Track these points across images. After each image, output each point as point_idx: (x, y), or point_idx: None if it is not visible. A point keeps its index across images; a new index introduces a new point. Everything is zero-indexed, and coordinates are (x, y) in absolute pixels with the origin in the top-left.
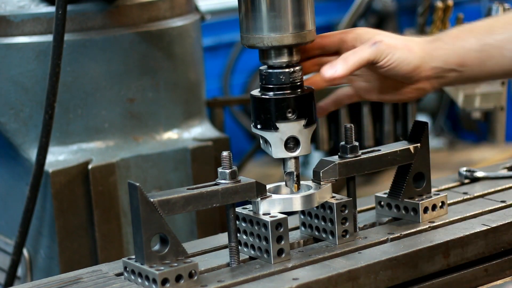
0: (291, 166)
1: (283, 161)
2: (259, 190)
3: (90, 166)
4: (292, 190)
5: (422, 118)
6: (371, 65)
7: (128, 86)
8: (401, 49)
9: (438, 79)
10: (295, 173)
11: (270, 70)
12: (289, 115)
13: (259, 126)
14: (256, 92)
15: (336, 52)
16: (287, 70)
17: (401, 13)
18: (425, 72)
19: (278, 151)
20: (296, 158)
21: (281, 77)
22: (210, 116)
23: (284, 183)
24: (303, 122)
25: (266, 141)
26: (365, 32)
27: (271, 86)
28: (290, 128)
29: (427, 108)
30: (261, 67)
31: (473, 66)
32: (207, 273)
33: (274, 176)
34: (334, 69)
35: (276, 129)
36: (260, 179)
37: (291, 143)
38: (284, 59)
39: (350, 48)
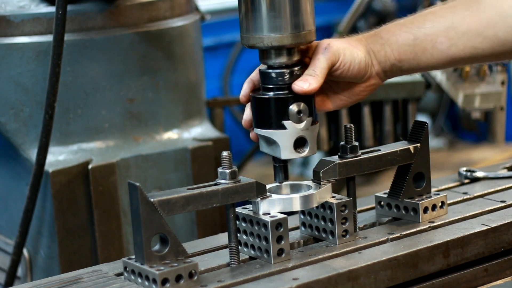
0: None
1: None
2: (259, 190)
3: (90, 166)
4: (282, 180)
5: (422, 118)
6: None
7: (128, 86)
8: (349, 48)
9: (385, 73)
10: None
11: (276, 70)
12: (299, 114)
13: (265, 127)
14: (257, 93)
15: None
16: (294, 69)
17: (401, 13)
18: (373, 67)
19: (287, 152)
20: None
21: (286, 76)
22: (210, 116)
23: (283, 183)
24: (310, 121)
25: (269, 142)
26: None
27: (271, 86)
28: (299, 128)
29: (427, 108)
30: (262, 67)
31: (409, 60)
32: (207, 273)
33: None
34: (307, 83)
35: (285, 129)
36: (260, 179)
37: (299, 143)
38: (285, 59)
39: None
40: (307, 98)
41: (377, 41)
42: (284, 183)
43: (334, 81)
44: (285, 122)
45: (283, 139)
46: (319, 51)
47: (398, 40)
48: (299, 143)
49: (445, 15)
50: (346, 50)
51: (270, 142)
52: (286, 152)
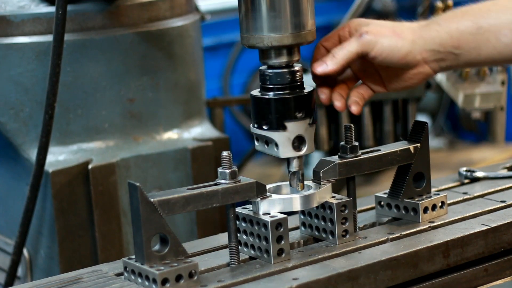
0: (296, 165)
1: (288, 161)
2: (259, 190)
3: (90, 166)
4: (298, 189)
5: (422, 118)
6: (365, 57)
7: (128, 86)
8: (389, 36)
9: (438, 62)
10: (300, 172)
11: (276, 70)
12: (297, 114)
13: (264, 127)
14: (256, 93)
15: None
16: (293, 69)
17: (401, 13)
18: (420, 55)
19: (285, 151)
20: (300, 157)
21: (287, 76)
22: (210, 116)
23: (284, 183)
24: (308, 120)
25: (267, 142)
26: (357, 23)
27: (279, 86)
28: (298, 127)
29: (427, 108)
30: (262, 67)
31: (469, 49)
32: (207, 273)
33: (274, 176)
34: (324, 64)
35: (285, 128)
36: (260, 179)
37: (297, 142)
38: (285, 59)
39: None
40: (306, 98)
41: (433, 28)
42: (284, 183)
43: (379, 65)
44: (287, 122)
45: (283, 138)
46: (355, 34)
47: (459, 27)
48: (298, 142)
49: (510, 7)
50: (384, 39)
51: (269, 141)
52: (285, 151)
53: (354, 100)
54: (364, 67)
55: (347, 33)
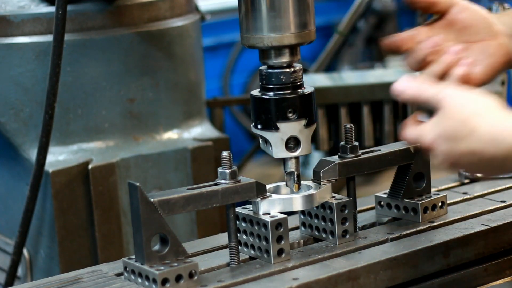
0: (291, 166)
1: (284, 161)
2: (259, 190)
3: (90, 166)
4: (293, 190)
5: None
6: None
7: (128, 86)
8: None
9: (509, 38)
10: (295, 173)
11: (271, 70)
12: (290, 115)
13: (259, 126)
14: (256, 92)
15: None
16: (287, 70)
17: (401, 13)
18: (496, 26)
19: (278, 151)
20: (296, 158)
21: (281, 77)
22: (210, 116)
23: (284, 183)
24: (303, 122)
25: (266, 141)
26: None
27: (272, 86)
28: (291, 128)
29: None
30: (261, 67)
31: None
32: (207, 273)
33: (274, 176)
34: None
35: (277, 129)
36: (260, 179)
37: (292, 143)
38: (284, 59)
39: (458, 20)
40: (306, 99)
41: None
42: (283, 183)
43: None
44: (279, 123)
45: (276, 138)
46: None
47: None
48: (292, 143)
49: None
50: (470, 6)
51: (266, 141)
52: (278, 151)
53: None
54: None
55: (464, 17)
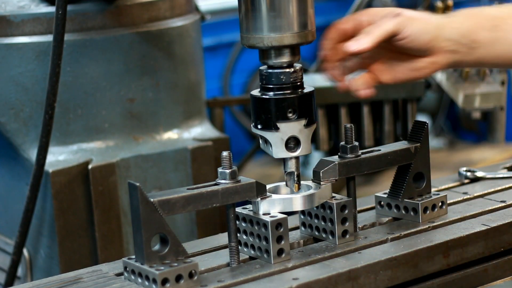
0: (291, 166)
1: (284, 161)
2: (259, 190)
3: (90, 166)
4: (293, 190)
5: (422, 118)
6: (390, 40)
7: (128, 86)
8: (419, 20)
9: (452, 53)
10: (295, 173)
11: (271, 70)
12: (290, 115)
13: (259, 126)
14: (256, 92)
15: (353, 36)
16: (287, 70)
17: None
18: (440, 43)
19: (278, 151)
20: (296, 158)
21: (281, 77)
22: (210, 116)
23: (284, 183)
24: (303, 122)
25: (266, 141)
26: (379, 10)
27: (272, 86)
28: (291, 128)
29: (427, 108)
30: (261, 67)
31: (485, 45)
32: (207, 273)
33: (274, 176)
34: (359, 42)
35: (277, 129)
36: (260, 179)
37: (292, 143)
38: (284, 59)
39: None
40: (306, 99)
41: (454, 19)
42: (283, 183)
43: (397, 52)
44: (279, 123)
45: (276, 138)
46: (389, 16)
47: (478, 22)
48: (292, 143)
49: None
50: (415, 21)
51: (266, 141)
52: (278, 151)
53: (362, 83)
54: (377, 54)
55: (367, 19)
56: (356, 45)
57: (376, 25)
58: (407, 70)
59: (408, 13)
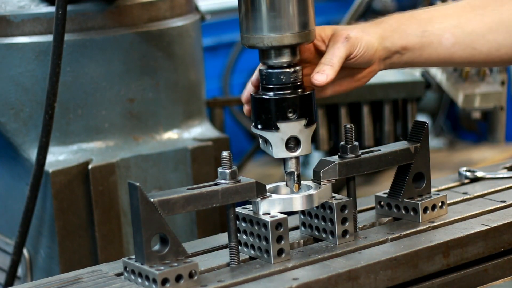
0: (291, 166)
1: (284, 161)
2: (259, 190)
3: (90, 166)
4: (293, 190)
5: (422, 118)
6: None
7: (128, 86)
8: (363, 37)
9: (385, 60)
10: (295, 173)
11: (271, 70)
12: (290, 115)
13: (259, 126)
14: (257, 93)
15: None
16: (287, 70)
17: None
18: (379, 52)
19: (278, 151)
20: (296, 158)
21: (281, 77)
22: (210, 116)
23: (284, 183)
24: (303, 122)
25: (266, 141)
26: (326, 31)
27: (272, 86)
28: (291, 128)
29: (427, 108)
30: (261, 67)
31: (414, 50)
32: (207, 273)
33: (274, 176)
34: (324, 75)
35: (277, 129)
36: (260, 179)
37: (292, 143)
38: (284, 59)
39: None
40: (306, 99)
41: (387, 28)
42: (283, 183)
43: (351, 65)
44: (279, 123)
45: (276, 138)
46: (339, 40)
47: (407, 29)
48: (293, 143)
49: (452, 14)
50: (363, 38)
51: (266, 141)
52: (278, 151)
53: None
54: None
55: (321, 43)
56: (322, 77)
57: (332, 54)
58: (348, 83)
59: (354, 33)
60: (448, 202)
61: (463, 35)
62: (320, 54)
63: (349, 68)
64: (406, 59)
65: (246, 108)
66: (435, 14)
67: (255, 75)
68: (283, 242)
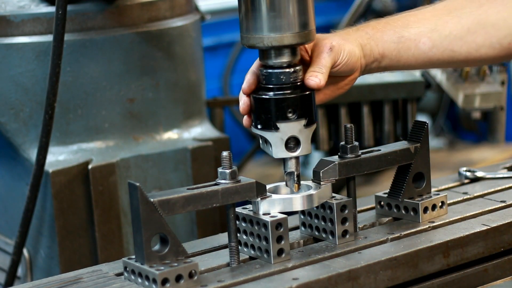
0: (291, 166)
1: (284, 161)
2: (259, 190)
3: (90, 166)
4: (293, 190)
5: (422, 118)
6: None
7: (128, 86)
8: (347, 45)
9: (364, 66)
10: (295, 173)
11: (270, 70)
12: (290, 115)
13: (259, 126)
14: (257, 93)
15: None
16: (287, 70)
17: None
18: (360, 59)
19: (278, 151)
20: (296, 158)
21: (281, 77)
22: (210, 116)
23: (284, 183)
24: (303, 122)
25: (266, 141)
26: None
27: (271, 86)
28: (291, 128)
29: (427, 108)
30: (260, 68)
31: (391, 57)
32: (207, 273)
33: (274, 176)
34: (318, 79)
35: (277, 129)
36: (260, 179)
37: (292, 143)
38: (284, 59)
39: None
40: (306, 99)
41: (364, 36)
42: (283, 183)
43: (336, 73)
44: (279, 123)
45: (276, 138)
46: (324, 50)
47: (383, 36)
48: (292, 143)
49: (429, 18)
50: (346, 47)
51: (266, 141)
52: (278, 151)
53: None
54: None
55: (304, 52)
56: (316, 80)
57: (319, 64)
58: (331, 91)
59: (336, 41)
60: (448, 202)
61: (440, 39)
62: (303, 63)
63: (332, 76)
64: (385, 65)
65: (246, 120)
66: (411, 19)
67: (246, 82)
68: (283, 242)
